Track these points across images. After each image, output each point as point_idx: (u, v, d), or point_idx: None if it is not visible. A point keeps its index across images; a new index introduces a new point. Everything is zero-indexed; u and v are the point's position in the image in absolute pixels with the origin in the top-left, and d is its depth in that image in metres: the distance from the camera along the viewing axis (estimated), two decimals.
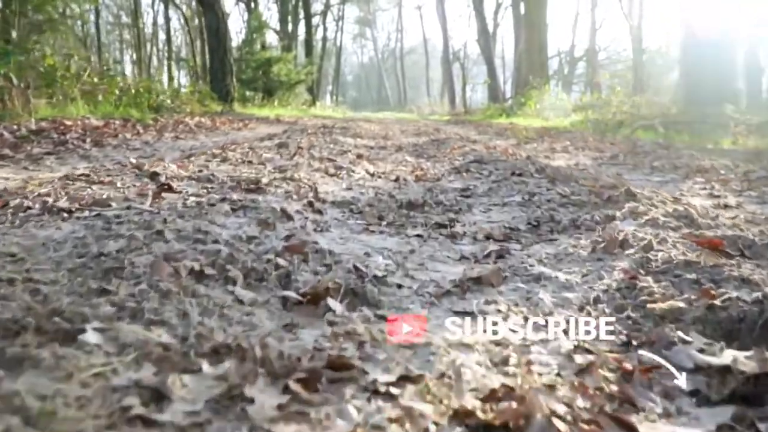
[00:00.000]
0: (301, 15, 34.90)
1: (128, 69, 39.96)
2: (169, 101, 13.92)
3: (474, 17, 33.59)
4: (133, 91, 10.63)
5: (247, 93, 20.47)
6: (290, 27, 34.63)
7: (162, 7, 35.49)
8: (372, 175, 3.77)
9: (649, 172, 5.31)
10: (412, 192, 3.13)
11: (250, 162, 3.90)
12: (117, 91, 10.03)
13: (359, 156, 4.99)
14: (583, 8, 61.40)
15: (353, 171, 3.76)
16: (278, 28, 35.12)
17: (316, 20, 40.14)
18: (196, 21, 29.59)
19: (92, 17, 32.23)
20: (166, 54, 35.99)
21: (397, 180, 3.56)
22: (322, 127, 10.44)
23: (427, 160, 5.33)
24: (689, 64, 10.98)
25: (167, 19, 35.67)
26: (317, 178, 3.36)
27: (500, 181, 3.57)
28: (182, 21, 30.62)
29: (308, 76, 26.43)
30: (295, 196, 2.69)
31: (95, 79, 11.89)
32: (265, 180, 3.04)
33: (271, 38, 37.00)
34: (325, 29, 43.60)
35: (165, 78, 31.31)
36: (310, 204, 2.53)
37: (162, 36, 37.16)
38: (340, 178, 3.49)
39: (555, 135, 10.54)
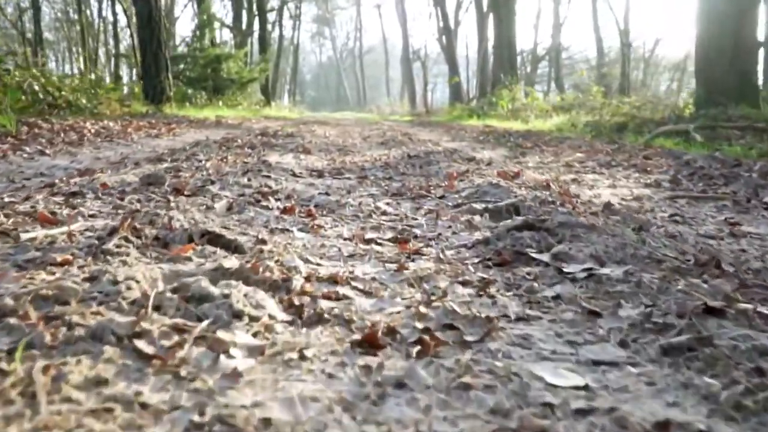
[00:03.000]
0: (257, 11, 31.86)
1: (75, 67, 36.32)
2: (84, 101, 11.05)
3: (434, 15, 31.16)
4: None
5: (191, 91, 17.50)
6: (244, 23, 31.57)
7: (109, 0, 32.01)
8: (298, 312, 1.24)
9: None
10: None
11: None
12: None
13: (288, 209, 2.41)
14: (546, 4, 59.26)
15: (247, 314, 1.20)
16: (233, 24, 32.06)
17: (272, 17, 37.14)
18: None
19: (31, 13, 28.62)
20: (113, 50, 32.50)
21: (368, 353, 1.04)
22: (261, 135, 7.72)
23: (416, 205, 2.79)
24: (708, 56, 8.69)
25: (114, 14, 32.19)
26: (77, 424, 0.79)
27: (682, 369, 1.07)
28: (124, 13, 27.38)
29: (262, 74, 23.56)
30: None
31: None
32: None
33: (227, 35, 33.95)
34: (281, 27, 40.45)
35: (107, 75, 27.97)
36: None
37: (110, 30, 33.60)
38: (186, 380, 0.94)
39: (550, 141, 8.14)
